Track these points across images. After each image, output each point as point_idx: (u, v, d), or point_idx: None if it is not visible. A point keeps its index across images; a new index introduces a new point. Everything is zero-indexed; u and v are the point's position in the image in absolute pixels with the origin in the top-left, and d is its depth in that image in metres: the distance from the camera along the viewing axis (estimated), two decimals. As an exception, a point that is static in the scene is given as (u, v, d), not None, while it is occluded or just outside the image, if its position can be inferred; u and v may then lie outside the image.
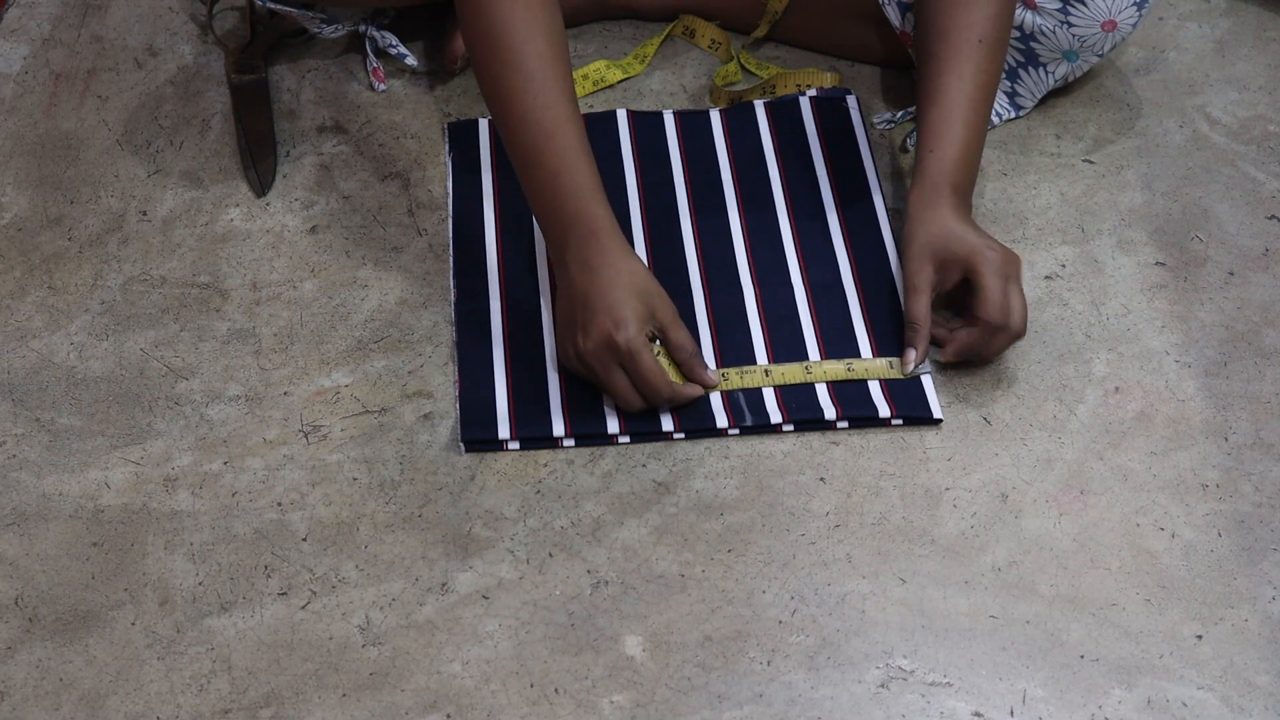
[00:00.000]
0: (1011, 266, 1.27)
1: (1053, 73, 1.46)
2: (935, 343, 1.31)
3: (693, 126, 1.50)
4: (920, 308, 1.28)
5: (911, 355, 1.29)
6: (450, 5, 1.56)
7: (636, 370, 1.23)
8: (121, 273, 1.39)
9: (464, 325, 1.34)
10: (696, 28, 1.59)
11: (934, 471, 1.25)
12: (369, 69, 1.54)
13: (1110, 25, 1.40)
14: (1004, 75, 1.48)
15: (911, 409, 1.28)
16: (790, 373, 1.30)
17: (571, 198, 1.24)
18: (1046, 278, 1.38)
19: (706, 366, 1.27)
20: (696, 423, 1.27)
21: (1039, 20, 1.41)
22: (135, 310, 1.36)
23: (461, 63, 1.55)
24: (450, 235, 1.41)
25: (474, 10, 1.25)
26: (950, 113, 1.34)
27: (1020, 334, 1.27)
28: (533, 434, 1.26)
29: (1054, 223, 1.43)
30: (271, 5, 1.51)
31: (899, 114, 1.49)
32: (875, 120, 1.49)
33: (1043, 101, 1.51)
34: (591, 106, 1.52)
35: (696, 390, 1.26)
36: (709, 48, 1.58)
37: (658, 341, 1.27)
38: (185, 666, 1.14)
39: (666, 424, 1.27)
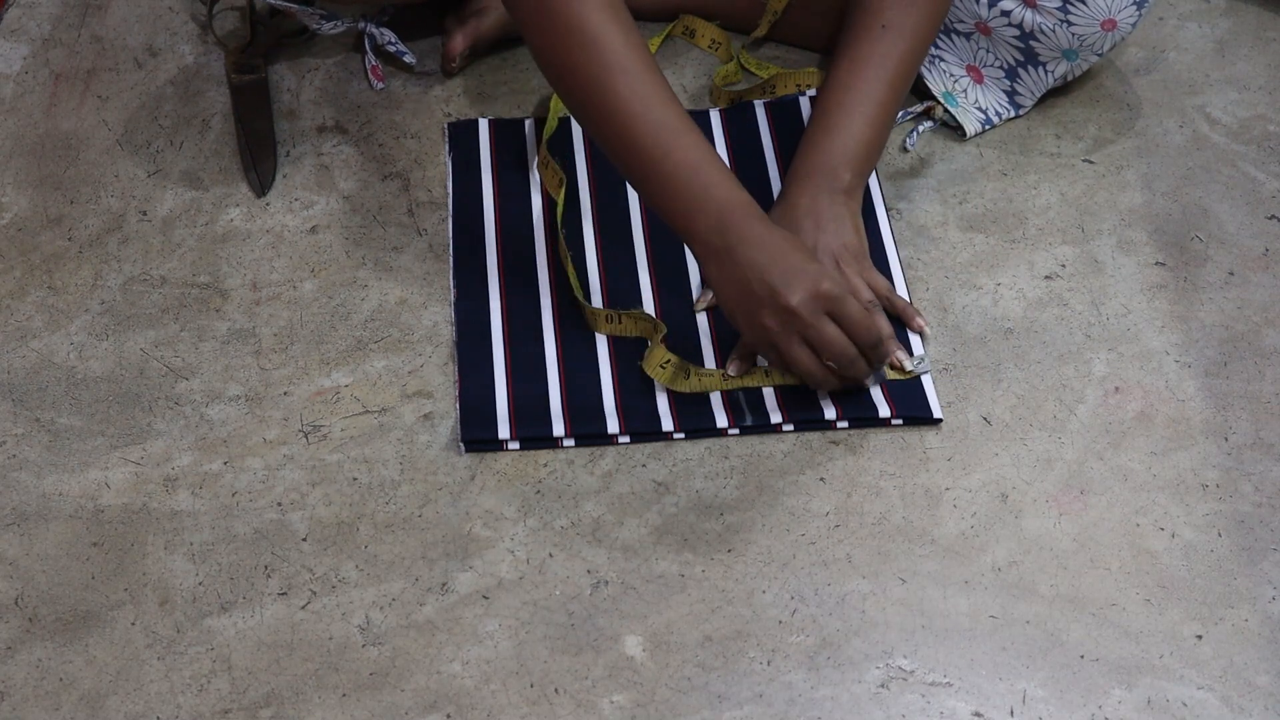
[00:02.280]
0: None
1: (1052, 71, 1.46)
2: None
3: (693, 126, 1.50)
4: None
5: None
6: (450, 4, 1.56)
7: (848, 311, 1.21)
8: (121, 273, 1.39)
9: (464, 325, 1.34)
10: (696, 28, 1.59)
11: (934, 471, 1.25)
12: (367, 67, 1.54)
13: (1110, 24, 1.40)
14: (1004, 74, 1.48)
15: (911, 409, 1.28)
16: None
17: (720, 187, 1.22)
18: (1046, 278, 1.38)
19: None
20: (696, 423, 1.27)
21: (1038, 19, 1.41)
22: (135, 310, 1.36)
23: (460, 62, 1.54)
24: (450, 235, 1.41)
25: (560, 19, 1.22)
26: (839, 100, 1.37)
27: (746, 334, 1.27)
28: (533, 434, 1.26)
29: (1054, 223, 1.43)
30: (272, 1, 1.51)
31: (899, 114, 1.49)
32: (875, 120, 1.50)
33: (1042, 101, 1.51)
34: (591, 106, 1.52)
35: (894, 351, 1.28)
36: (709, 48, 1.58)
37: (691, 369, 1.28)
38: (185, 666, 1.14)
39: (666, 424, 1.27)
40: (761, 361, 1.30)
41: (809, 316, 1.20)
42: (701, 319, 1.34)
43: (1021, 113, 1.51)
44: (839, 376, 1.24)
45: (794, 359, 1.22)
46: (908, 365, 1.29)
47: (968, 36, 1.47)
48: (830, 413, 1.27)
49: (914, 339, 1.32)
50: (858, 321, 1.22)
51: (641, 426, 1.27)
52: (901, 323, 1.33)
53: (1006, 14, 1.43)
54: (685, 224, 1.23)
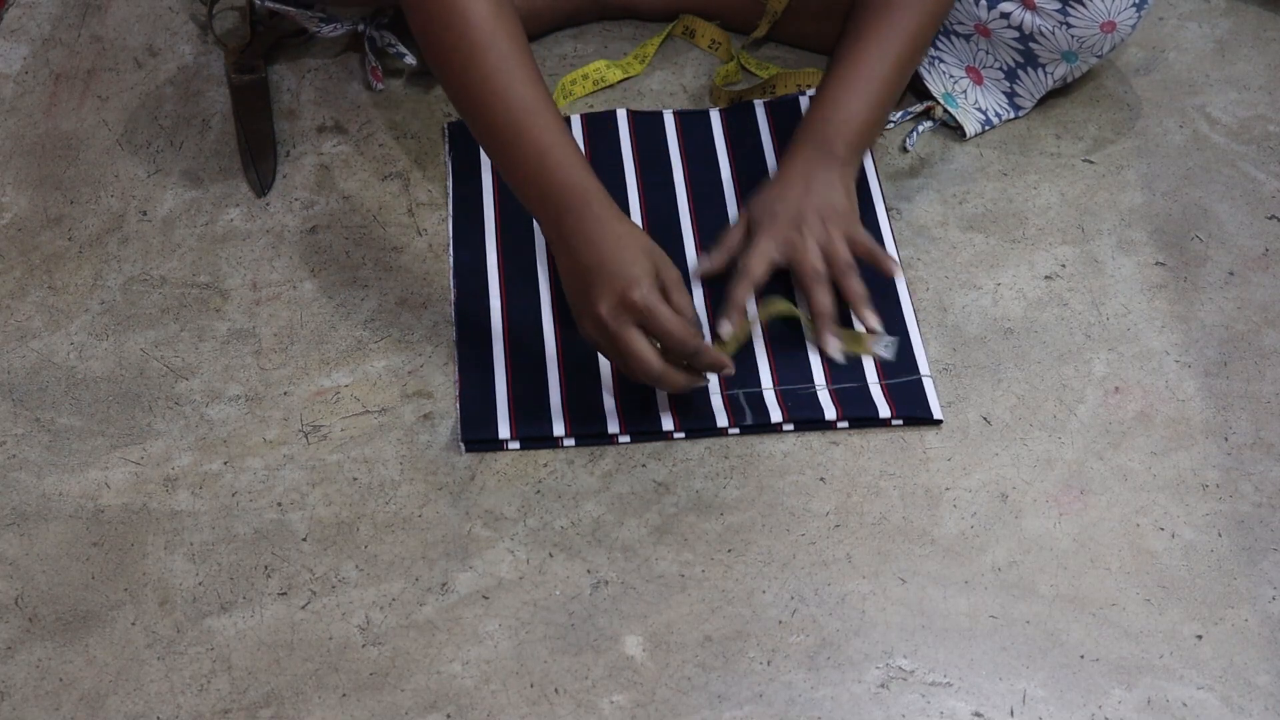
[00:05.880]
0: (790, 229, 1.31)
1: (1051, 73, 1.46)
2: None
3: (693, 126, 1.50)
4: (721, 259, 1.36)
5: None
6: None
7: (656, 324, 1.19)
8: (121, 273, 1.39)
9: (464, 325, 1.34)
10: (696, 28, 1.59)
11: (934, 471, 1.25)
12: (367, 68, 1.54)
13: (1109, 26, 1.40)
14: (1003, 75, 1.48)
15: (912, 409, 1.28)
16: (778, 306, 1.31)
17: (562, 171, 1.21)
18: (1046, 278, 1.38)
19: (701, 336, 1.22)
20: (696, 422, 1.27)
21: (1038, 21, 1.41)
22: (135, 310, 1.36)
23: (461, 63, 1.54)
24: (450, 235, 1.41)
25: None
26: (842, 76, 1.38)
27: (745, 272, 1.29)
28: (533, 434, 1.27)
29: (1054, 223, 1.43)
30: (271, 4, 1.51)
31: (898, 114, 1.49)
32: (875, 120, 1.50)
33: (1043, 101, 1.51)
34: (591, 106, 1.53)
35: (716, 358, 1.22)
36: (709, 48, 1.58)
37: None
38: (185, 666, 1.14)
39: (666, 424, 1.27)
40: (762, 361, 1.30)
41: (615, 327, 1.19)
42: (701, 318, 1.34)
43: (1021, 114, 1.51)
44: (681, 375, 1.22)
45: (618, 366, 1.22)
46: (877, 349, 1.29)
47: (967, 38, 1.47)
48: (830, 413, 1.27)
49: (887, 337, 1.32)
50: (670, 332, 1.19)
51: (642, 426, 1.27)
52: (882, 277, 1.34)
53: (1006, 16, 1.43)
54: (534, 209, 1.23)
